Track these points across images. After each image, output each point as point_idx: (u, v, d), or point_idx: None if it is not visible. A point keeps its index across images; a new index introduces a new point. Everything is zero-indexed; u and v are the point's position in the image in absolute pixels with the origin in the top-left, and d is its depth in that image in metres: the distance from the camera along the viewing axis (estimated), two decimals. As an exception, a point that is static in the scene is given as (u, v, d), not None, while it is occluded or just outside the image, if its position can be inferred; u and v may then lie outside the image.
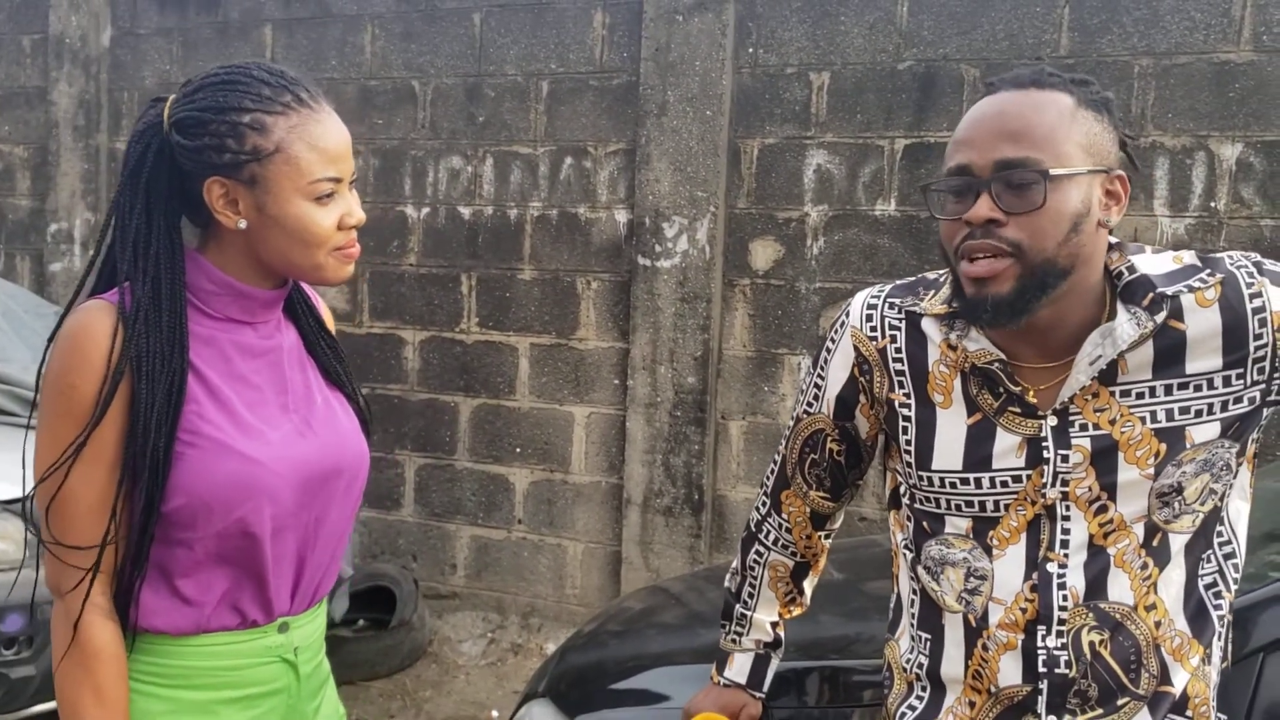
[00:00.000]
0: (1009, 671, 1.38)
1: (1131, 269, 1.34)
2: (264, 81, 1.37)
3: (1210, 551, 1.40)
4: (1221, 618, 1.41)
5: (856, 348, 1.49)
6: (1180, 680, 1.37)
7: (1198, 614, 1.38)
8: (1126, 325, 1.30)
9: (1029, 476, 1.35)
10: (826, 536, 1.70)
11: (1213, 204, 3.82)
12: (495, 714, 4.12)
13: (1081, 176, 1.28)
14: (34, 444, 1.38)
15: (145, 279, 1.36)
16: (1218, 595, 1.40)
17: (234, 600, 1.43)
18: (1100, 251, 1.33)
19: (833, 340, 1.53)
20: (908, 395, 1.44)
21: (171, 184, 1.39)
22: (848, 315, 1.51)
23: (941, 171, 1.35)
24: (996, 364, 1.35)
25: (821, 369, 1.55)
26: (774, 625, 1.73)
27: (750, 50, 4.36)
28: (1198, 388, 1.32)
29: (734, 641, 1.75)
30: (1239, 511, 1.43)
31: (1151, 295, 1.31)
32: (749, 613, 1.72)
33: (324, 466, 1.46)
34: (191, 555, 1.38)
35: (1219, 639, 1.42)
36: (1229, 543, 1.41)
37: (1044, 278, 1.28)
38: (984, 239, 1.28)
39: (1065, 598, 1.35)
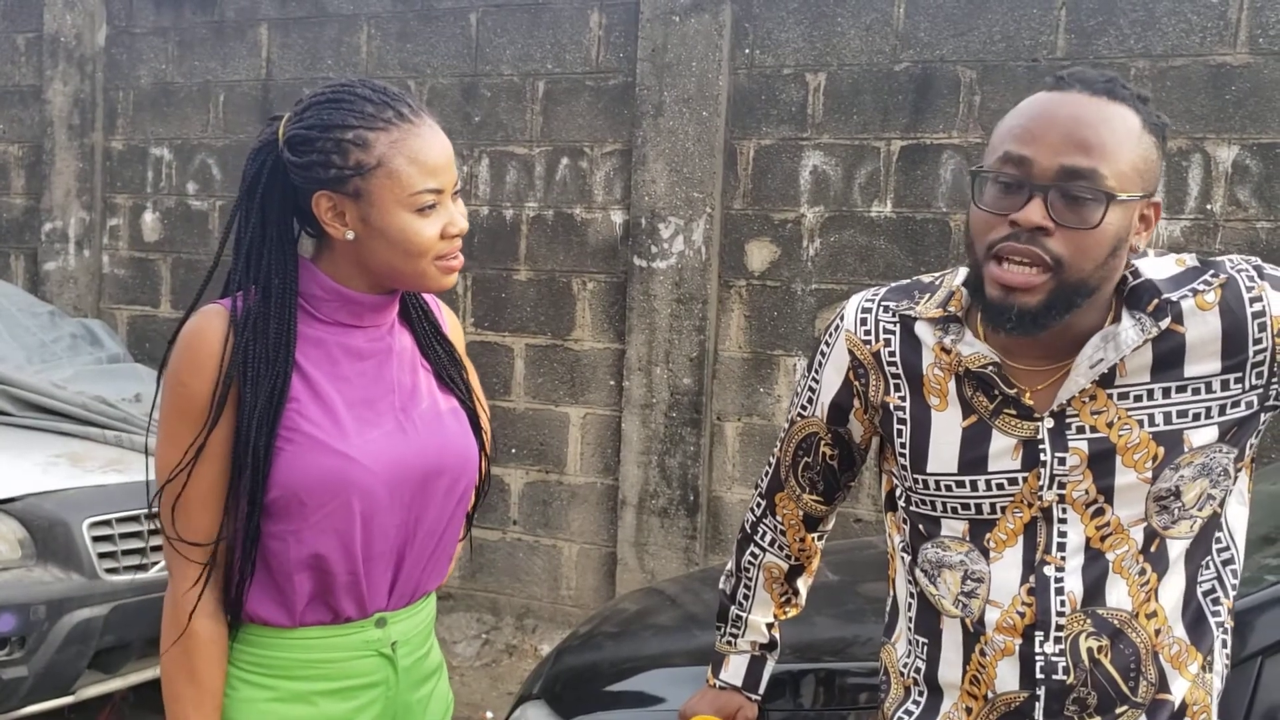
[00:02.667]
0: (1006, 677, 1.37)
1: (1136, 274, 1.32)
2: (367, 99, 1.42)
3: (1209, 558, 1.39)
4: (1220, 624, 1.40)
5: (851, 351, 1.48)
6: (1179, 688, 1.36)
7: (1196, 621, 1.38)
8: (1130, 331, 1.29)
9: (1025, 479, 1.34)
10: (819, 538, 1.70)
11: (1209, 206, 3.82)
12: (490, 715, 4.11)
13: (1134, 202, 1.25)
14: (156, 439, 1.47)
15: (257, 288, 1.44)
16: (1216, 602, 1.39)
17: (326, 596, 1.48)
18: (1121, 269, 1.31)
19: (827, 344, 1.52)
20: (903, 398, 1.43)
21: (285, 198, 1.46)
22: (842, 319, 1.50)
23: (993, 156, 1.28)
24: (990, 368, 1.35)
25: (816, 372, 1.54)
26: (769, 627, 1.72)
27: (747, 51, 4.36)
28: (1196, 391, 1.31)
29: (729, 643, 1.74)
30: (1238, 517, 1.42)
31: (1156, 301, 1.29)
32: (744, 614, 1.71)
33: (424, 466, 1.51)
34: (286, 550, 1.45)
35: (1222, 646, 1.41)
36: (1227, 549, 1.40)
37: (1072, 295, 1.25)
38: (1027, 244, 1.23)
39: (1063, 603, 1.34)
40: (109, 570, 3.40)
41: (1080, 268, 1.24)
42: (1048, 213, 1.22)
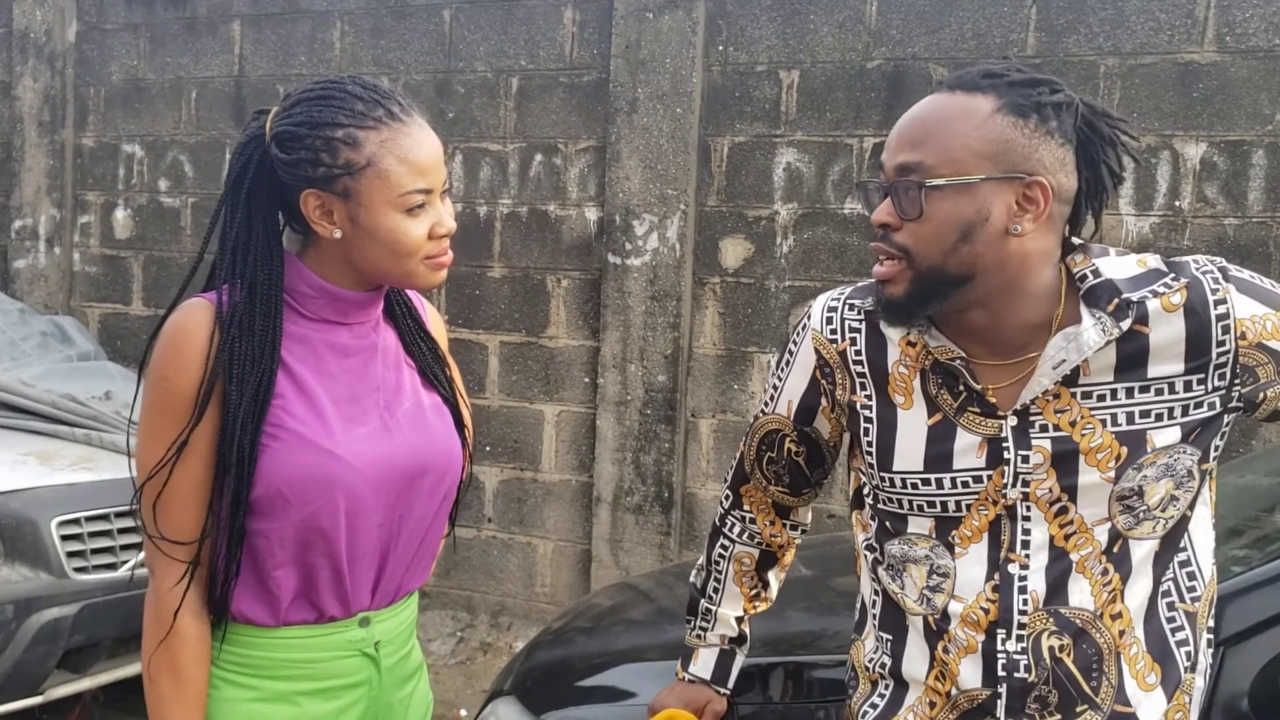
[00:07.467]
0: (969, 674, 1.38)
1: (1096, 272, 1.33)
2: (357, 97, 1.41)
3: (1171, 562, 1.39)
4: (1177, 628, 1.40)
5: (818, 351, 1.49)
6: (1149, 699, 1.36)
7: (1156, 627, 1.38)
8: (1092, 331, 1.29)
9: (989, 477, 1.35)
10: (794, 529, 1.69)
11: (1177, 203, 3.86)
12: (464, 713, 4.11)
13: (975, 185, 1.26)
14: (136, 434, 1.44)
15: (243, 284, 1.42)
16: (1171, 606, 1.39)
17: (310, 595, 1.47)
18: (1029, 255, 1.30)
19: (794, 343, 1.54)
20: (869, 397, 1.44)
21: (271, 194, 1.44)
22: (809, 318, 1.51)
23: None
24: (959, 361, 1.36)
25: (782, 371, 1.55)
26: (739, 620, 1.73)
27: (720, 48, 4.36)
28: (1159, 391, 1.32)
29: (699, 637, 1.75)
30: (1201, 518, 1.42)
31: (1117, 301, 1.30)
32: (714, 608, 1.72)
33: (408, 465, 1.50)
34: (269, 548, 1.43)
35: (1208, 646, 1.41)
36: (1185, 549, 1.41)
37: (932, 284, 1.30)
38: (881, 241, 1.33)
39: (1025, 601, 1.35)
40: (78, 569, 3.37)
41: (926, 255, 1.29)
42: (893, 209, 1.30)
